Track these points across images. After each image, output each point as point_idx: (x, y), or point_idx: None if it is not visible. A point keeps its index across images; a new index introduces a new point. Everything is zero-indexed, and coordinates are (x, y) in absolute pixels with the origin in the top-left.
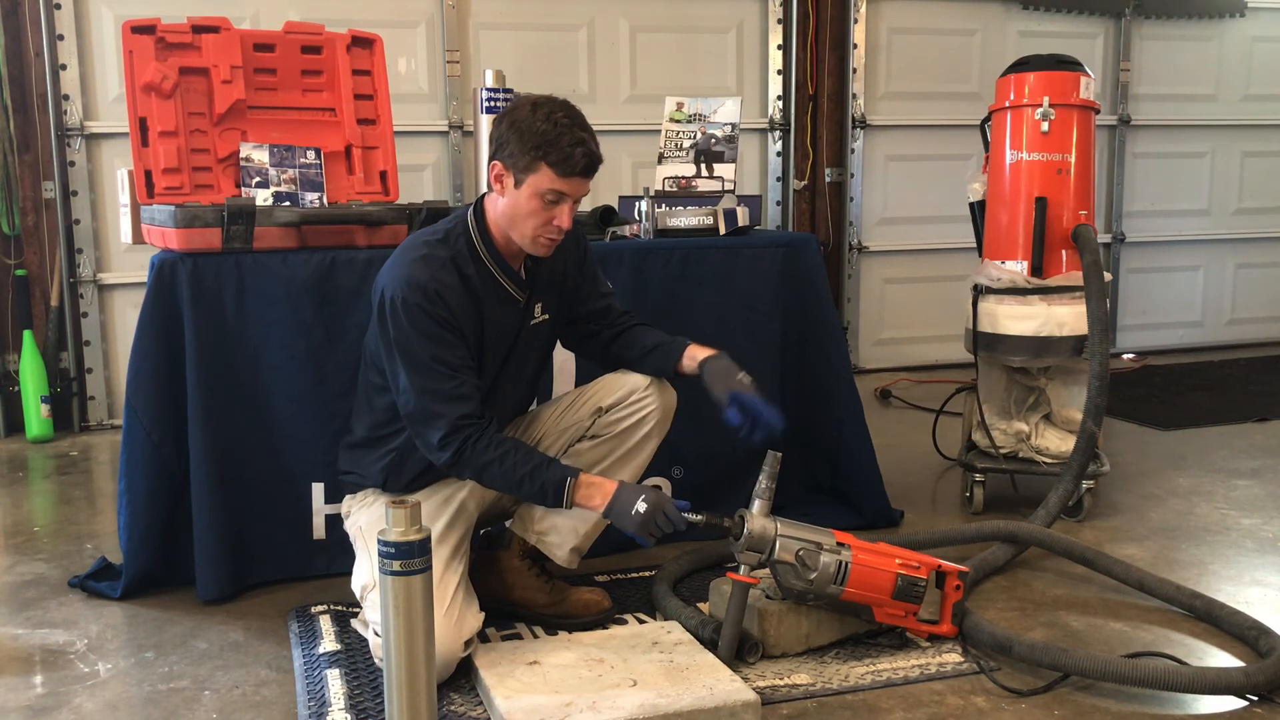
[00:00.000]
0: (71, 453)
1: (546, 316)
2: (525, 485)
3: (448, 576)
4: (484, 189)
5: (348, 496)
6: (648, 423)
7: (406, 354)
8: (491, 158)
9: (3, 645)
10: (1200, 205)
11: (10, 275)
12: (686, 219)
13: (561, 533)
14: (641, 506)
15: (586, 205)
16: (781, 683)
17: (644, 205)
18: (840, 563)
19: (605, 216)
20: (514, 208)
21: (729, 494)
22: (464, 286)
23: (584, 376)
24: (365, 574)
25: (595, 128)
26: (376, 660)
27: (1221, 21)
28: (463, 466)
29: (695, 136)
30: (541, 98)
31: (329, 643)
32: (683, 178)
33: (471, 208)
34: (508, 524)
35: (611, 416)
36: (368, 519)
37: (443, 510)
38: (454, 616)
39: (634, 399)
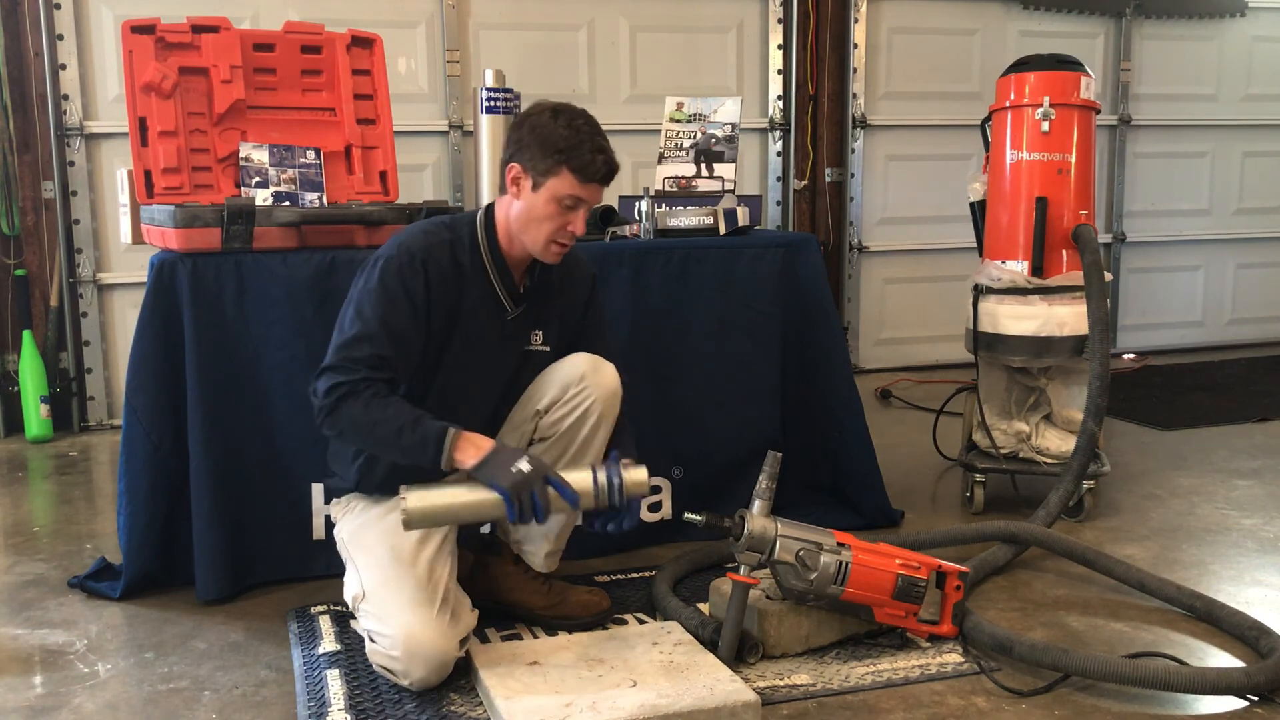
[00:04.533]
0: (71, 453)
1: (548, 348)
2: (405, 435)
3: (437, 573)
4: (484, 188)
5: (333, 501)
6: (591, 414)
7: (360, 306)
8: (509, 160)
9: (3, 645)
10: (1201, 205)
11: (10, 275)
12: (686, 219)
13: (534, 540)
14: (525, 466)
15: None
16: (781, 683)
17: (644, 205)
18: (840, 563)
19: (605, 216)
20: (530, 211)
21: (729, 494)
22: (453, 271)
23: None
24: (355, 585)
25: None
26: (374, 665)
27: (1221, 21)
28: (339, 417)
29: (695, 136)
30: (560, 105)
31: (329, 643)
32: (683, 178)
33: (483, 209)
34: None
35: (552, 417)
36: (350, 529)
37: None
38: (448, 615)
39: (570, 394)
